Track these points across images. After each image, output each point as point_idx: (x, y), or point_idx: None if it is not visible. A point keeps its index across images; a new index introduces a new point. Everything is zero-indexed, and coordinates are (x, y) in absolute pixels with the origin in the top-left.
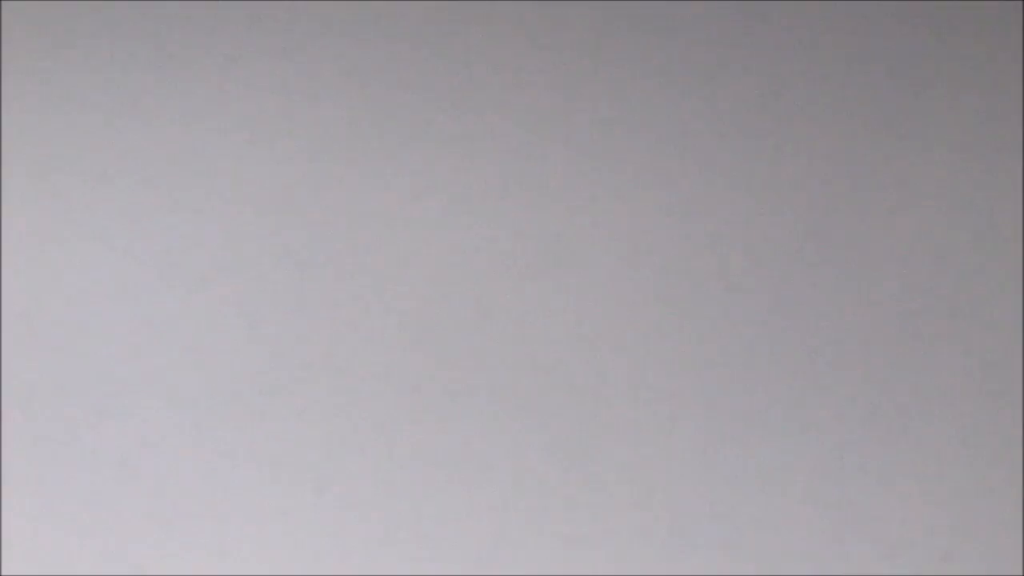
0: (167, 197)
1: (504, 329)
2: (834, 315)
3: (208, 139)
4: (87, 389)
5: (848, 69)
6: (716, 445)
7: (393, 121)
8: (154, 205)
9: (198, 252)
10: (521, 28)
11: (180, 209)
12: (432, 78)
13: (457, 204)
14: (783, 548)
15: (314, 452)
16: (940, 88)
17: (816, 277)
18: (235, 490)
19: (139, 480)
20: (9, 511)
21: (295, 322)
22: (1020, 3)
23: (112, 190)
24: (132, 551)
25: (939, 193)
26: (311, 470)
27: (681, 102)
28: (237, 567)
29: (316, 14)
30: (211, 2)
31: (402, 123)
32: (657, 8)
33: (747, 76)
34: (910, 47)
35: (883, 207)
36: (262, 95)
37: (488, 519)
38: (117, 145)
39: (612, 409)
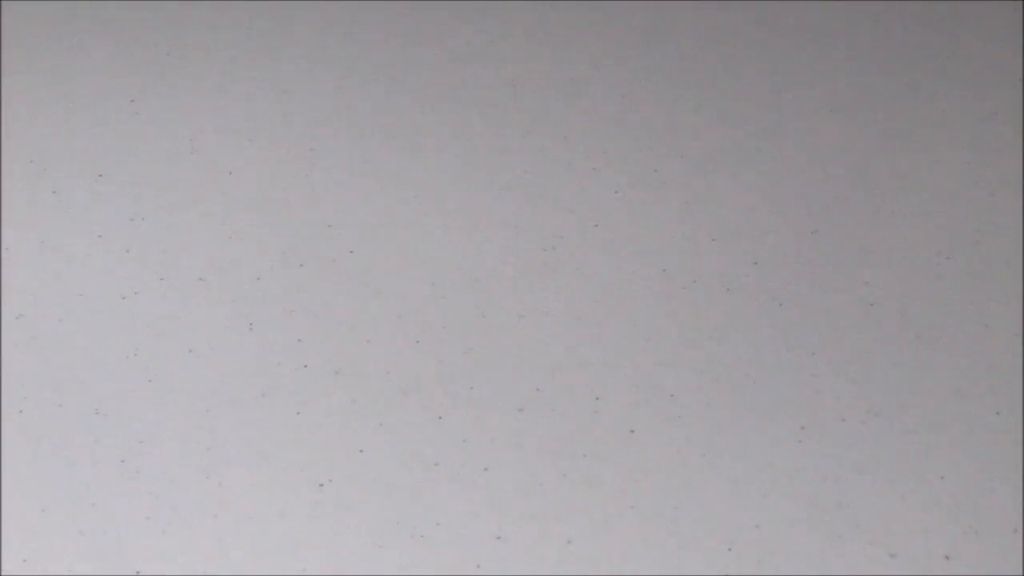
0: (167, 197)
1: (504, 329)
2: (834, 316)
3: (207, 139)
4: (86, 389)
5: (849, 69)
6: (716, 445)
7: (393, 121)
8: (154, 205)
9: (198, 252)
10: (521, 28)
11: (180, 209)
12: (432, 78)
13: (457, 204)
14: (783, 548)
15: (314, 452)
16: (940, 88)
17: (816, 278)
18: (235, 490)
19: (138, 480)
20: (9, 511)
21: (295, 322)
22: (1020, 3)
23: (112, 190)
24: (131, 551)
25: (939, 193)
26: (311, 470)
27: (682, 102)
28: (237, 567)
29: (316, 14)
30: (211, 2)
31: (402, 123)
32: (658, 8)
33: (747, 76)
34: (910, 47)
35: (883, 208)
36: (261, 95)
37: (487, 519)
38: (117, 145)
39: (612, 409)
